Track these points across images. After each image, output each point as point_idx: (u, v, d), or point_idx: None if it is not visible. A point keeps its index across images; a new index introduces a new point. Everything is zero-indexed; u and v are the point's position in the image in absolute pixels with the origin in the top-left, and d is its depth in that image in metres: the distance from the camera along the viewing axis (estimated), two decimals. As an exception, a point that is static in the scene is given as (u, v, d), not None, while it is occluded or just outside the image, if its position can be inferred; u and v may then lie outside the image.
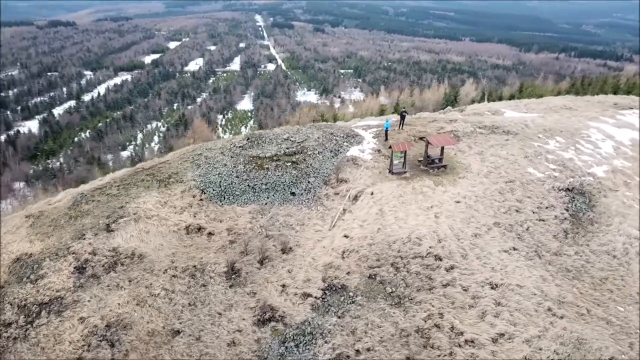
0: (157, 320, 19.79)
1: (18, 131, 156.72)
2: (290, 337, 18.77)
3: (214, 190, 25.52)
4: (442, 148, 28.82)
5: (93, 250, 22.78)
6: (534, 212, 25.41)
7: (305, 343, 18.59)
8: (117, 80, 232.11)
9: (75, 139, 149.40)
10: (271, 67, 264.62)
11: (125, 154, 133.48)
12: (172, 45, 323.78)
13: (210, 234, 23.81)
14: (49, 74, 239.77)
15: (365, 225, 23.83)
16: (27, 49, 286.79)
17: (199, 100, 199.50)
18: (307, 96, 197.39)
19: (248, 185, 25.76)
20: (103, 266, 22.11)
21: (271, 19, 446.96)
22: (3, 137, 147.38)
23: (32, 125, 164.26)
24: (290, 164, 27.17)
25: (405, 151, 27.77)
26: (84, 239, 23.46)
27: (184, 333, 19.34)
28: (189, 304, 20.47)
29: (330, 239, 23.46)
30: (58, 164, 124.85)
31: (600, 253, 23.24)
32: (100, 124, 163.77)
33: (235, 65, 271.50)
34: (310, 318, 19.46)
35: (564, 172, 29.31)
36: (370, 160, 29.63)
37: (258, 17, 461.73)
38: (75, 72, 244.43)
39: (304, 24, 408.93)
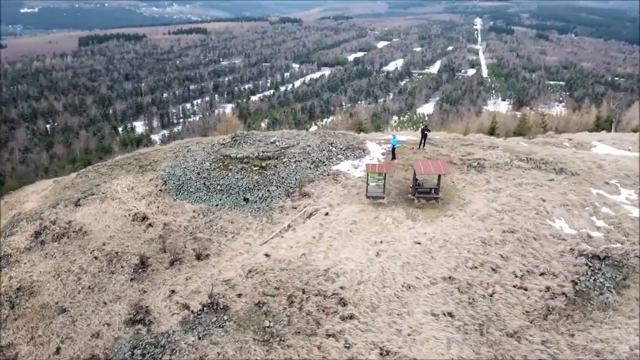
0: (56, 295, 21.36)
1: (213, 112, 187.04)
2: (142, 345, 18.37)
3: (173, 183, 26.28)
4: (439, 177, 24.44)
5: (55, 219, 25.63)
6: (515, 276, 19.85)
7: (153, 355, 17.98)
8: (317, 74, 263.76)
9: (262, 124, 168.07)
10: (471, 72, 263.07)
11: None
12: (380, 44, 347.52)
13: (149, 225, 24.62)
14: (263, 64, 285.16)
15: (294, 248, 21.76)
16: (254, 42, 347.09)
17: (381, 100, 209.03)
18: (498, 105, 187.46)
19: (204, 183, 25.81)
20: (53, 235, 24.71)
21: (491, 22, 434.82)
22: (198, 117, 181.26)
23: (229, 108, 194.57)
24: (257, 168, 26.30)
25: (385, 174, 24.30)
26: (55, 208, 26.56)
27: (68, 313, 20.47)
28: (89, 287, 21.54)
29: (253, 254, 22.08)
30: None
31: (582, 351, 17.04)
32: (278, 115, 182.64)
33: (434, 68, 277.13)
34: (172, 331, 18.72)
35: (611, 234, 22.16)
36: (357, 178, 26.77)
37: (477, 21, 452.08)
38: (284, 65, 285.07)
39: (526, 30, 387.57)
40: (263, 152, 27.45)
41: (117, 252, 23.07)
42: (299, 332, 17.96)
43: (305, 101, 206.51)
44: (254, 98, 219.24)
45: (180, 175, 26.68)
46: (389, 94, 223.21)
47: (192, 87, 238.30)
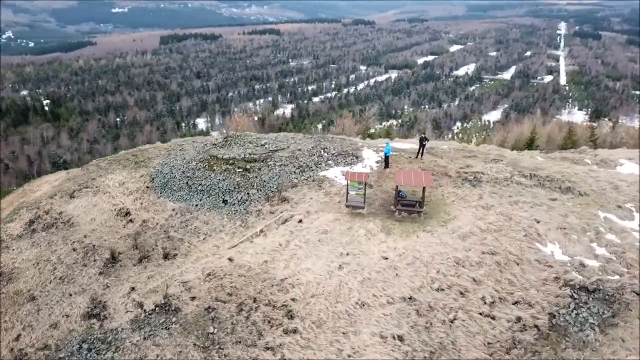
0: (30, 283, 22.25)
1: (273, 112, 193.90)
2: (90, 340, 18.68)
3: (159, 181, 26.65)
4: (424, 189, 23.08)
5: (49, 209, 26.80)
6: (484, 302, 18.28)
7: (98, 350, 18.21)
8: (383, 77, 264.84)
9: (319, 125, 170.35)
10: (548, 79, 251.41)
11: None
12: (453, 48, 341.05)
13: (130, 220, 25.09)
14: (331, 65, 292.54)
15: (259, 254, 21.33)
16: (325, 43, 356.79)
17: (445, 105, 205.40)
18: (572, 115, 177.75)
19: (186, 183, 25.94)
20: (44, 225, 25.84)
21: (576, 27, 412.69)
22: (256, 117, 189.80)
23: (289, 109, 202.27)
24: (240, 170, 26.08)
25: (365, 182, 23.27)
26: (52, 198, 27.78)
27: (35, 302, 21.25)
28: (61, 277, 22.25)
29: (218, 257, 21.88)
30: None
31: (540, 395, 15.39)
32: (333, 117, 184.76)
33: (508, 74, 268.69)
34: (121, 328, 18.89)
35: (610, 264, 19.95)
36: (343, 185, 25.84)
37: (562, 25, 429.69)
38: (351, 67, 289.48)
39: (615, 35, 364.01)
40: (250, 154, 27.22)
41: (94, 245, 23.69)
42: (239, 342, 17.48)
43: (366, 104, 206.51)
44: (315, 99, 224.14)
45: (167, 173, 27.05)
46: (455, 99, 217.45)
47: (257, 86, 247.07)
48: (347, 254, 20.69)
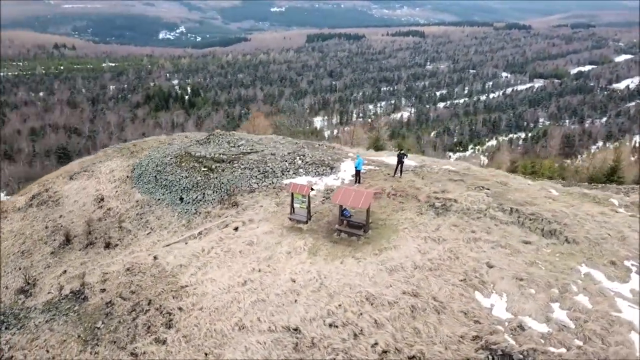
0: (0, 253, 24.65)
1: (391, 115, 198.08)
2: (8, 314, 20.17)
3: (137, 172, 27.77)
4: (368, 211, 20.90)
5: (49, 187, 29.62)
6: (375, 350, 16.00)
7: (8, 325, 19.63)
8: (525, 86, 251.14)
9: (432, 133, 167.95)
10: None
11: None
12: (620, 58, 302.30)
13: (101, 207, 26.54)
14: (470, 71, 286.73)
15: (180, 257, 21.18)
16: (469, 47, 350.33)
17: (588, 122, 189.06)
18: None
19: (155, 177, 26.60)
20: (39, 201, 28.60)
21: None
22: (384, 119, 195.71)
23: (407, 113, 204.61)
24: (205, 169, 26.01)
25: (309, 196, 21.73)
26: (57, 178, 30.53)
27: (-6, 270, 23.45)
28: (23, 251, 24.47)
29: (146, 253, 22.16)
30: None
31: None
32: (454, 125, 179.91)
33: None
34: (35, 307, 20.17)
35: (560, 333, 16.26)
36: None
37: None
38: (491, 73, 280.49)
39: None
40: (221, 154, 27.02)
41: (62, 226, 25.52)
42: (114, 342, 17.49)
43: (493, 113, 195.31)
44: (440, 105, 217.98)
45: (144, 165, 28.09)
46: (604, 116, 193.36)
47: (384, 88, 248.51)
48: (259, 270, 19.52)
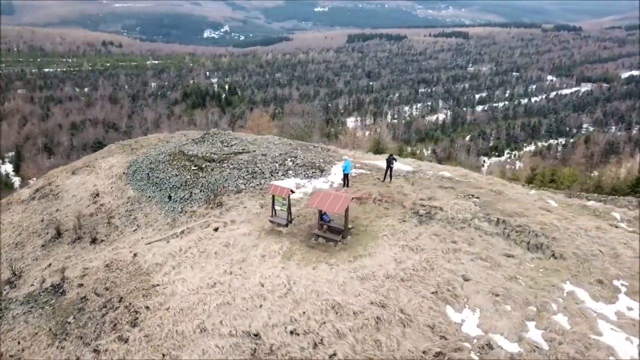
0: (-3, 243, 25.46)
1: (424, 117, 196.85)
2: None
3: (132, 168, 28.14)
4: (347, 214, 20.41)
5: (52, 181, 30.43)
6: (330, 358, 15.60)
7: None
8: (571, 90, 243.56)
9: (466, 137, 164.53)
10: None
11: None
12: None
13: (94, 202, 27.03)
14: (513, 73, 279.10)
15: (158, 255, 21.28)
16: (514, 49, 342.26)
17: (638, 127, 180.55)
18: None
19: (147, 174, 26.85)
20: (41, 194, 29.48)
21: None
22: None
23: (443, 114, 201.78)
24: (195, 168, 26.06)
25: (289, 198, 21.41)
26: (60, 173, 31.35)
27: (-13, 259, 24.24)
28: (17, 243, 25.22)
29: (128, 250, 22.41)
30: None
31: None
32: (491, 129, 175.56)
33: None
34: (16, 299, 20.73)
35: (530, 355, 15.42)
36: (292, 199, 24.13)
37: None
38: (536, 76, 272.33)
39: None
40: (212, 153, 27.00)
41: (56, 219, 26.12)
42: (81, 338, 17.70)
43: (534, 117, 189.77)
44: (479, 108, 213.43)
45: (140, 162, 28.44)
46: None
47: (421, 90, 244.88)
48: (230, 273, 19.36)
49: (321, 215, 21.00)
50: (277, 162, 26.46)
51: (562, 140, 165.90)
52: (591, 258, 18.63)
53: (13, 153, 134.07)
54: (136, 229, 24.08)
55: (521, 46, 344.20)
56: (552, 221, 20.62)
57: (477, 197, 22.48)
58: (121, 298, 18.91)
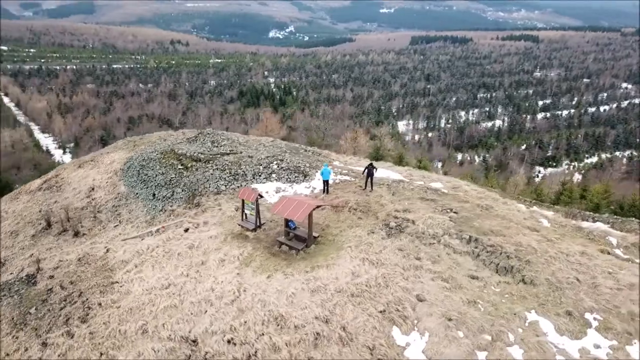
0: (-4, 230, 26.82)
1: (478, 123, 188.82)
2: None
3: (127, 165, 28.66)
4: (310, 221, 19.79)
5: (59, 174, 31.71)
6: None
7: (-33, 300, 21.13)
8: None
9: (522, 145, 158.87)
10: None
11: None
12: None
13: (89, 196, 27.85)
14: (584, 80, 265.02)
15: (126, 253, 21.55)
16: (587, 55, 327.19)
17: None
18: None
19: (138, 171, 27.26)
20: (47, 186, 30.81)
21: None
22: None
23: (500, 121, 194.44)
24: (181, 167, 26.19)
25: (257, 203, 21.02)
26: (69, 166, 32.60)
27: (-16, 246, 25.53)
28: (12, 231, 26.33)
29: (103, 246, 22.82)
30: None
31: None
32: (550, 138, 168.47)
33: None
34: (-7, 286, 21.45)
35: None
36: (268, 203, 23.77)
37: None
38: (608, 83, 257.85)
39: None
40: (200, 153, 27.04)
41: (52, 210, 27.10)
42: (35, 329, 18.17)
43: (600, 127, 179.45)
44: (540, 115, 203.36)
45: (134, 159, 28.95)
46: None
47: (480, 95, 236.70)
48: (186, 275, 19.23)
49: (287, 221, 20.46)
50: (261, 165, 26.14)
51: (628, 153, 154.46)
52: (565, 286, 16.98)
53: (73, 144, 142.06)
54: (117, 225, 24.53)
55: (595, 51, 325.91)
56: (530, 242, 18.99)
57: (456, 212, 21.09)
58: (81, 293, 19.25)
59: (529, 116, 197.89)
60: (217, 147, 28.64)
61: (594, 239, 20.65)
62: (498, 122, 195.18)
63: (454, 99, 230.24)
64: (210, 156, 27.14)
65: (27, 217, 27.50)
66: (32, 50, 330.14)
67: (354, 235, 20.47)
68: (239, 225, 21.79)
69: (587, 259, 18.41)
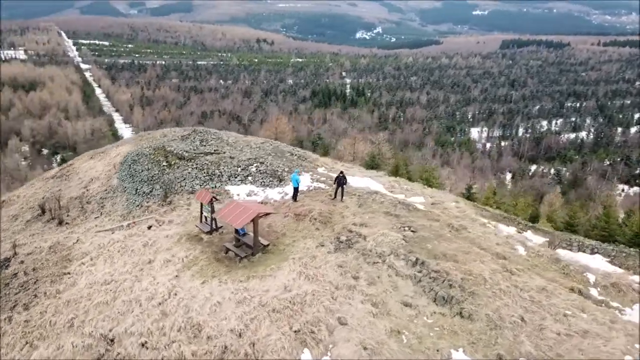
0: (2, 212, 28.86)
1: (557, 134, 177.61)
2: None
3: (123, 158, 29.56)
4: (255, 229, 19.26)
5: (72, 163, 33.52)
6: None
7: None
8: None
9: (606, 161, 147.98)
10: None
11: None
12: None
13: (86, 187, 29.15)
14: None
15: (91, 245, 22.23)
16: None
17: None
18: None
19: (129, 166, 28.01)
20: (60, 174, 32.75)
21: None
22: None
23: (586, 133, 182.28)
24: (165, 165, 26.55)
25: (212, 205, 20.80)
26: (83, 156, 34.38)
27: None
28: (14, 215, 28.11)
29: (76, 236, 23.68)
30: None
31: None
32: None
33: None
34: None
35: None
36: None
37: None
38: None
39: None
40: (186, 151, 27.25)
41: (50, 198, 28.63)
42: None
43: None
44: (633, 129, 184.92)
45: (131, 154, 29.77)
46: None
47: (568, 104, 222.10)
48: (130, 273, 19.42)
49: (237, 229, 20.02)
50: (240, 167, 25.90)
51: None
52: (506, 325, 15.09)
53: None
54: (98, 217, 25.43)
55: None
56: (483, 272, 17.07)
57: (414, 231, 19.50)
58: (37, 280, 20.07)
59: (620, 129, 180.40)
60: (204, 146, 28.88)
61: (569, 273, 18.21)
62: (583, 134, 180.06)
63: (537, 107, 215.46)
64: (194, 155, 27.39)
65: (31, 202, 29.34)
66: (129, 45, 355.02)
67: (304, 246, 19.61)
68: (196, 227, 21.69)
69: (544, 297, 16.24)
